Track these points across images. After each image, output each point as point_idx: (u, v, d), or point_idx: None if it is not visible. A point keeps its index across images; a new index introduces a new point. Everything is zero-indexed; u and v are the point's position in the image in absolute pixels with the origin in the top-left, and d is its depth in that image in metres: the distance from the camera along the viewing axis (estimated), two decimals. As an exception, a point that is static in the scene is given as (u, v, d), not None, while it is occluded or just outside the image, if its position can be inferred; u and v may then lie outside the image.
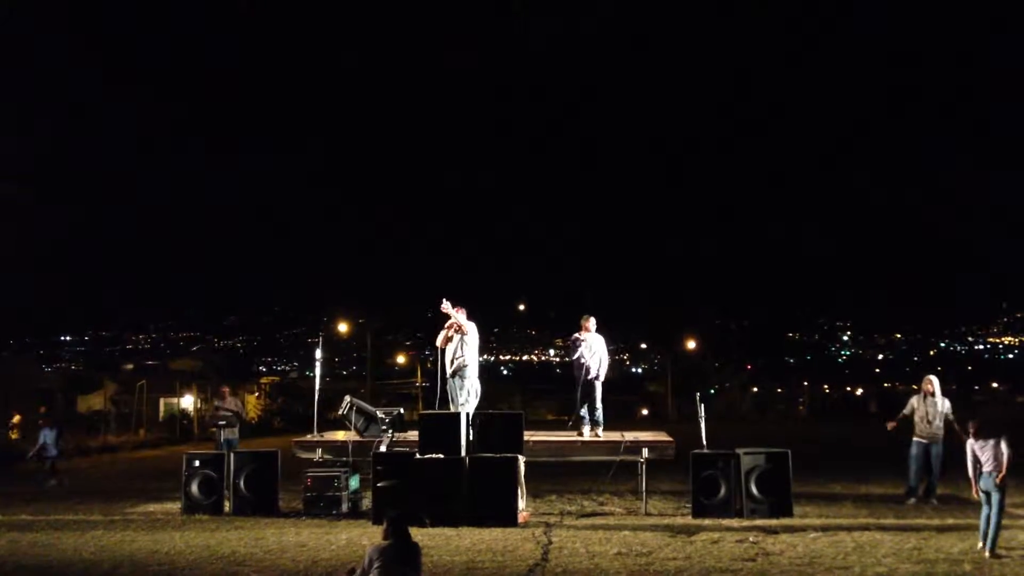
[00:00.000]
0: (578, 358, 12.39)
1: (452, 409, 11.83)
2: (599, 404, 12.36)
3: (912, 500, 12.02)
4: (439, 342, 12.41)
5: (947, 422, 12.12)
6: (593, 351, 12.32)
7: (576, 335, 12.46)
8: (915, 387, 13.02)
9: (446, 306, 12.13)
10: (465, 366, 12.13)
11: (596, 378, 12.30)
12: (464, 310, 12.26)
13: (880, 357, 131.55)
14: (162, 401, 39.74)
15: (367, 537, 9.21)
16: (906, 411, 12.39)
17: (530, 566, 7.85)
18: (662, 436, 12.27)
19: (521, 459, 10.67)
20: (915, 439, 12.26)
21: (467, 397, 12.06)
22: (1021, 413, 41.97)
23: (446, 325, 12.33)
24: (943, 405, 12.19)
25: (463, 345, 12.15)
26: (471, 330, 12.20)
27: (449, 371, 12.25)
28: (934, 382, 12.38)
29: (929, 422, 12.13)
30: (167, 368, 63.13)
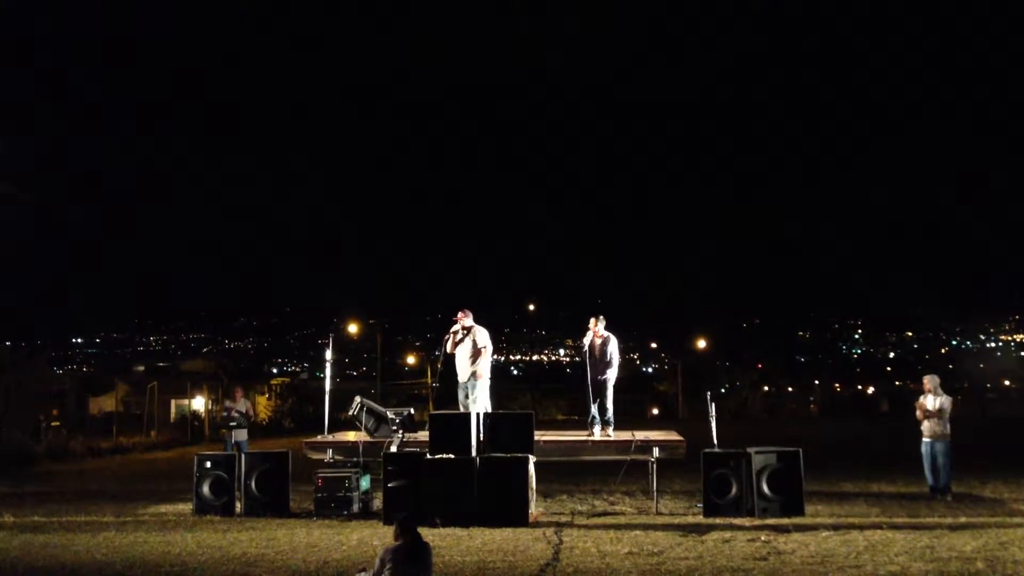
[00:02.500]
0: (587, 358, 12.42)
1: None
2: (610, 404, 12.35)
3: (938, 496, 12.04)
4: (450, 348, 12.48)
5: (942, 415, 12.15)
6: (603, 351, 12.32)
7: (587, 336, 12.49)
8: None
9: (468, 319, 12.30)
10: (478, 372, 12.25)
11: (606, 378, 12.30)
12: (470, 314, 12.39)
13: (892, 355, 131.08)
14: (173, 402, 39.91)
15: (378, 538, 9.21)
16: (919, 413, 12.38)
17: (541, 566, 7.82)
18: (673, 435, 12.24)
19: (532, 459, 10.65)
20: (923, 439, 12.29)
21: (475, 401, 12.12)
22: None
23: (453, 331, 12.39)
24: (940, 402, 12.20)
25: (477, 352, 12.26)
26: (485, 337, 12.31)
27: (465, 376, 12.31)
28: (933, 381, 12.41)
29: (931, 420, 12.18)
30: (178, 369, 63.36)
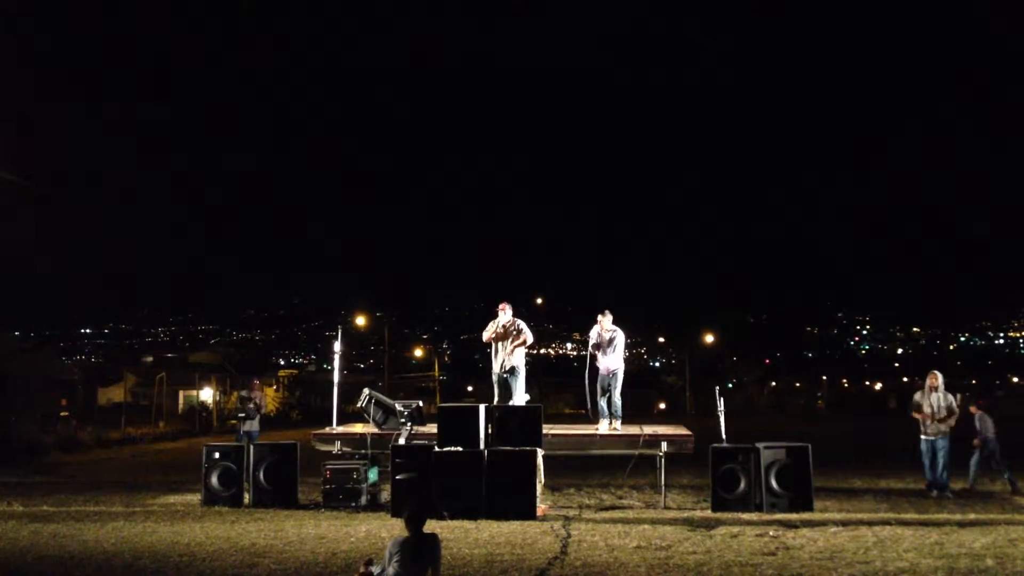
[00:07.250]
0: (594, 352, 12.43)
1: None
2: (617, 397, 12.34)
3: (934, 492, 11.98)
4: (486, 337, 12.52)
5: (951, 414, 12.11)
6: (611, 345, 12.32)
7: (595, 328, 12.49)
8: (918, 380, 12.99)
9: (508, 313, 12.42)
10: (517, 366, 12.34)
11: (615, 372, 12.29)
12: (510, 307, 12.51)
13: (899, 351, 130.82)
14: (181, 393, 40.08)
15: (386, 530, 9.23)
16: (919, 411, 12.32)
17: (549, 559, 7.82)
18: (681, 430, 12.23)
19: (540, 452, 10.65)
20: (922, 436, 12.23)
21: (516, 391, 12.26)
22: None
23: (502, 324, 12.39)
24: (947, 399, 12.16)
25: (518, 346, 12.35)
26: (527, 332, 12.40)
27: (505, 368, 12.33)
28: (938, 377, 12.35)
29: (934, 418, 12.13)
30: (186, 361, 63.54)
